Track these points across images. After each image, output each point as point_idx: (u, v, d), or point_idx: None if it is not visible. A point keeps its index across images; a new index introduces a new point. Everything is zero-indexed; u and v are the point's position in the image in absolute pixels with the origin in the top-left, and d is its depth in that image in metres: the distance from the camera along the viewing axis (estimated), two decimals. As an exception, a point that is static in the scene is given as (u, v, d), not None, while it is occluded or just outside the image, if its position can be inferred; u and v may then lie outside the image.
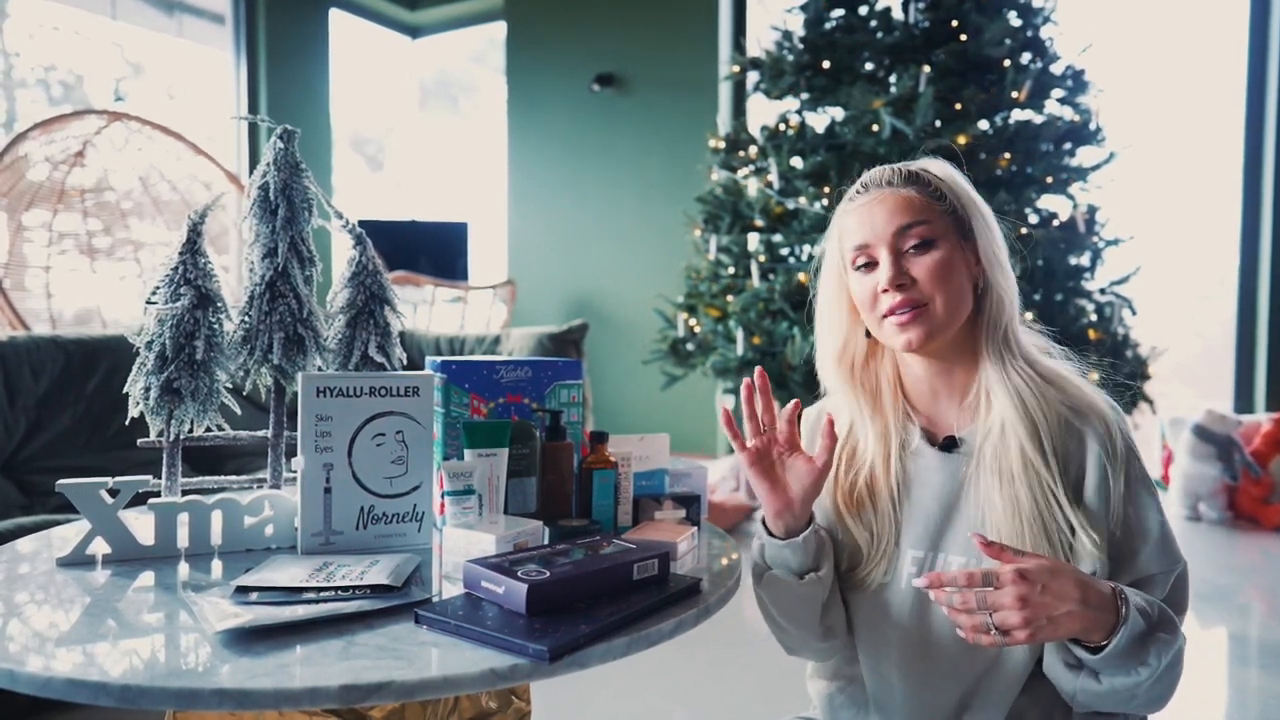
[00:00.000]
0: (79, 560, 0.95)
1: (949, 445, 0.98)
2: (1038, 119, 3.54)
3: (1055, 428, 0.93)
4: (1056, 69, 3.55)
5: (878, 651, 0.98)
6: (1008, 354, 0.97)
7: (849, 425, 1.04)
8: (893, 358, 1.04)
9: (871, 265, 0.97)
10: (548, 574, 0.80)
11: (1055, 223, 3.42)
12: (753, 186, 3.69)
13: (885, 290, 0.95)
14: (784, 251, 3.68)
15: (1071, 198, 3.52)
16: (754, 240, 3.74)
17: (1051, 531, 0.90)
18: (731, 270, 3.76)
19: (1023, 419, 0.92)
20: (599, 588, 0.83)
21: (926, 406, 1.02)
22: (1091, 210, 3.54)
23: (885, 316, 0.96)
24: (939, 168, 1.00)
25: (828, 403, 1.10)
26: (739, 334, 3.51)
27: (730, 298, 3.68)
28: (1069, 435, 0.93)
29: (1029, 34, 3.52)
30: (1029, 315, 3.09)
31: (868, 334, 1.03)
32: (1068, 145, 3.52)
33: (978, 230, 0.98)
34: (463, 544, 0.91)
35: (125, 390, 1.10)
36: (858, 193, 1.01)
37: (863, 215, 0.98)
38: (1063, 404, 0.94)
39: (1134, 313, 3.58)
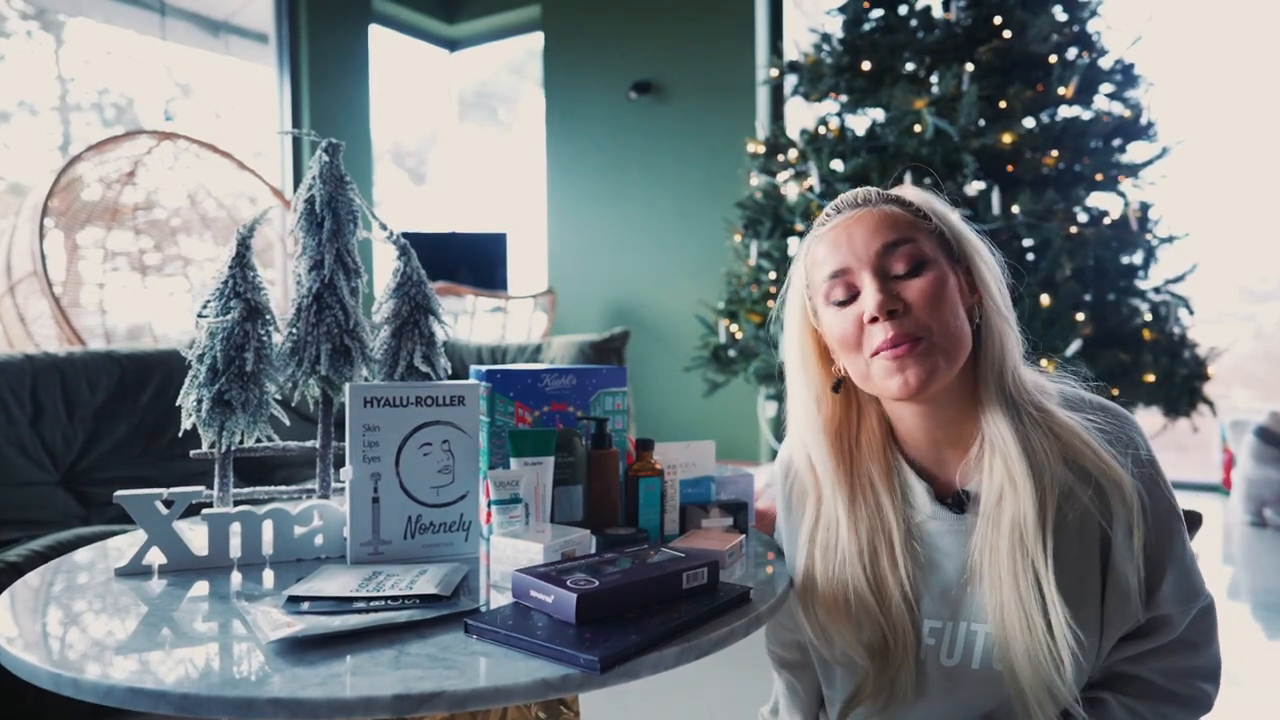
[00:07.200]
0: (136, 570, 0.97)
1: (959, 504, 0.88)
2: (1086, 115, 3.45)
3: (1063, 497, 0.81)
4: (1105, 63, 3.46)
5: None
6: (1016, 400, 0.84)
7: (816, 505, 0.92)
8: (877, 415, 0.91)
9: (851, 296, 0.84)
10: (597, 583, 0.79)
11: (1106, 221, 3.33)
12: (793, 191, 3.65)
13: (873, 320, 0.81)
14: (825, 255, 3.64)
15: (1123, 195, 3.42)
16: (795, 245, 3.70)
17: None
18: (773, 275, 3.73)
19: (1031, 480, 0.80)
20: (648, 597, 0.82)
21: (926, 457, 0.90)
22: (1144, 207, 3.43)
23: (875, 354, 0.82)
24: (915, 192, 0.89)
25: (797, 449, 0.97)
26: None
27: (772, 303, 3.65)
28: (1070, 506, 0.82)
29: (1075, 29, 3.44)
30: (1080, 317, 3.04)
31: (835, 388, 0.90)
32: (1118, 141, 3.43)
33: (969, 253, 0.86)
34: (510, 553, 0.91)
35: (178, 403, 1.12)
36: (828, 216, 0.89)
37: (838, 237, 0.85)
38: (1070, 470, 0.82)
39: (1191, 312, 3.47)
